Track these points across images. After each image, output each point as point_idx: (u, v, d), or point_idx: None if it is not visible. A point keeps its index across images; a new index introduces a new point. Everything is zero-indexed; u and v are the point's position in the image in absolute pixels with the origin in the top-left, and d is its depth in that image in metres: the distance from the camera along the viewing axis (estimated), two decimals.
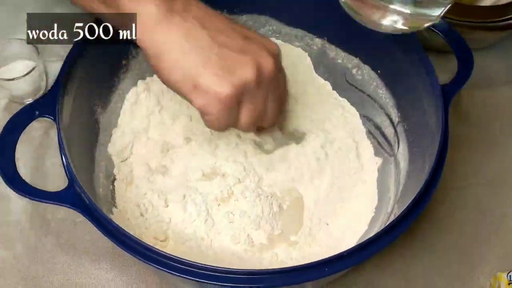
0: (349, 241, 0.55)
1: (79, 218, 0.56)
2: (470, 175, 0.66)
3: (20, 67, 0.68)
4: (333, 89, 0.67)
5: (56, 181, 0.62)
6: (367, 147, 0.63)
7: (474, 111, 0.70)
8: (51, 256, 0.59)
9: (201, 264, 0.43)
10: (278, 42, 0.67)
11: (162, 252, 0.44)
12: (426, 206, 0.48)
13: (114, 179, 0.59)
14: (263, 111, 0.49)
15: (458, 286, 0.59)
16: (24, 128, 0.51)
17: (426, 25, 0.51)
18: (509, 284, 0.56)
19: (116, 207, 0.57)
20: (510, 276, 0.57)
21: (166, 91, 0.64)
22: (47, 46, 0.71)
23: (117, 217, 0.56)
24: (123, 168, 0.60)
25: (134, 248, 0.45)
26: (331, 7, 0.61)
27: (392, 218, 0.54)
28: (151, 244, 0.45)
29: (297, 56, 0.68)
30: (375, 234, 0.46)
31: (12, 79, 0.64)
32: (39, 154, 0.65)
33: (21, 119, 0.51)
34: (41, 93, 0.69)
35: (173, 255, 0.44)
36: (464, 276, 0.60)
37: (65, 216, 0.61)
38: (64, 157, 0.48)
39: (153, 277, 0.58)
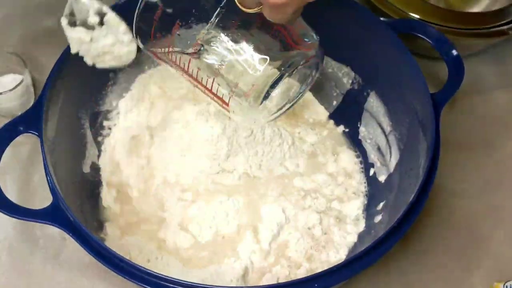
0: (341, 254, 0.55)
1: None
2: (464, 181, 0.65)
3: (7, 80, 0.67)
4: (325, 98, 0.67)
5: (44, 197, 0.61)
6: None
7: (467, 116, 0.70)
8: (39, 271, 0.58)
9: (183, 281, 0.43)
10: None
11: (147, 270, 0.43)
12: (420, 213, 0.47)
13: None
14: None
15: None
16: (8, 144, 0.50)
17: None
18: None
19: (105, 222, 0.57)
20: (506, 286, 0.56)
21: (155, 106, 0.63)
22: (34, 58, 0.71)
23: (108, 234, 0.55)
24: (111, 184, 0.59)
25: (117, 266, 0.44)
26: (321, 16, 0.62)
27: (381, 227, 0.53)
28: (139, 263, 0.44)
29: None
30: (365, 248, 0.45)
31: (0, 93, 0.64)
32: (28, 169, 0.64)
33: (4, 135, 0.50)
34: (30, 105, 0.69)
35: (156, 272, 0.43)
36: (462, 282, 0.59)
37: (54, 231, 0.59)
38: (48, 174, 0.48)
39: None
